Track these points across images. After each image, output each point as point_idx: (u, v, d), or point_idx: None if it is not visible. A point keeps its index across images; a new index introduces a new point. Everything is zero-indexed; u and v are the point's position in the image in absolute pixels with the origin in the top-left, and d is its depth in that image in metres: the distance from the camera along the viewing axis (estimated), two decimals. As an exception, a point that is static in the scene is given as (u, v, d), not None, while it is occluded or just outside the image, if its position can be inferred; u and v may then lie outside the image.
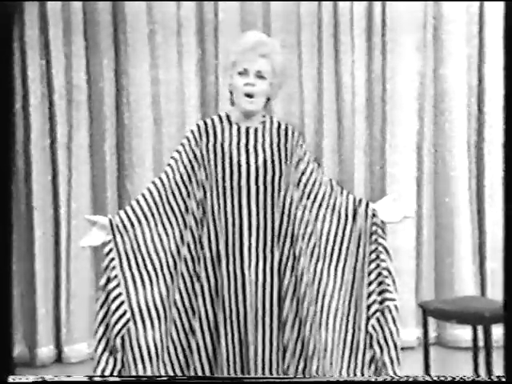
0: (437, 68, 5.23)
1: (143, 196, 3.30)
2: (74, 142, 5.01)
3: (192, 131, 3.33)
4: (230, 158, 3.24)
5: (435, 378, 3.17)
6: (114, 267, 3.25)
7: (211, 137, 3.28)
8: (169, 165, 3.33)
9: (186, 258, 3.26)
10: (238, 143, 3.27)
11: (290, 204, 3.29)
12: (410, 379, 3.20)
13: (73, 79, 5.00)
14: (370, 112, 5.21)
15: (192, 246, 3.26)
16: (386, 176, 5.18)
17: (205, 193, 3.26)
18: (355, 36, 5.16)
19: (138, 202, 3.30)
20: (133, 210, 3.29)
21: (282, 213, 3.27)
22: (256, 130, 3.30)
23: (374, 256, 3.33)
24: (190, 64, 5.11)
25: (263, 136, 3.30)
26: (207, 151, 3.27)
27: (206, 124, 3.33)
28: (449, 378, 3.14)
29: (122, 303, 3.25)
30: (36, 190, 4.93)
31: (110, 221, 3.27)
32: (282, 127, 3.35)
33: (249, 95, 3.23)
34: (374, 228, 3.34)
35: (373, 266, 3.32)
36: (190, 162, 3.29)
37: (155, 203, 3.28)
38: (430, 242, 5.23)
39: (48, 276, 4.97)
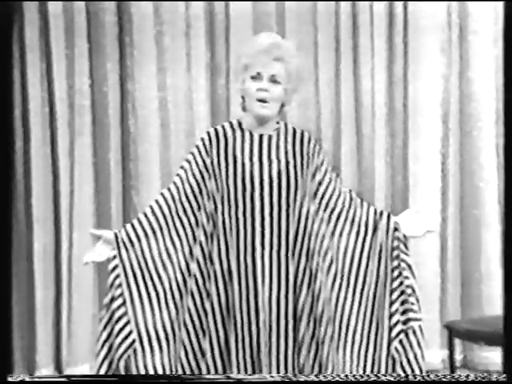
0: (462, 71, 5.21)
1: (151, 209, 3.29)
2: (76, 150, 4.99)
3: (202, 139, 3.32)
4: (243, 168, 3.23)
5: (436, 378, 3.16)
6: (119, 285, 3.25)
7: (222, 145, 3.27)
8: (178, 175, 3.32)
9: (196, 275, 3.25)
10: (251, 152, 3.26)
11: (306, 217, 3.27)
12: (411, 379, 3.19)
13: (75, 83, 4.98)
14: (391, 118, 5.19)
15: (202, 262, 3.25)
16: (409, 187, 5.15)
17: (215, 205, 3.25)
18: (375, 37, 5.15)
19: (145, 215, 3.29)
20: (140, 223, 3.28)
21: (298, 226, 3.26)
22: (270, 138, 3.29)
23: (396, 273, 3.30)
24: (200, 67, 5.09)
25: (277, 144, 3.29)
26: (218, 161, 3.26)
27: (216, 132, 3.32)
28: (449, 378, 3.16)
29: (126, 324, 3.23)
30: (36, 201, 4.91)
31: (116, 235, 3.26)
32: (298, 134, 3.34)
33: (262, 100, 3.22)
34: (396, 243, 3.31)
35: (395, 283, 3.29)
36: (200, 172, 3.28)
37: (164, 216, 3.27)
38: (455, 257, 5.20)
39: (48, 293, 4.95)
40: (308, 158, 3.30)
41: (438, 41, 5.15)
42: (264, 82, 3.20)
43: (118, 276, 3.24)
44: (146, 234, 3.26)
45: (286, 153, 3.27)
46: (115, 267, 3.25)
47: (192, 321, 3.24)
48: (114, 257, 3.25)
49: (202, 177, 3.27)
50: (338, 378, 3.20)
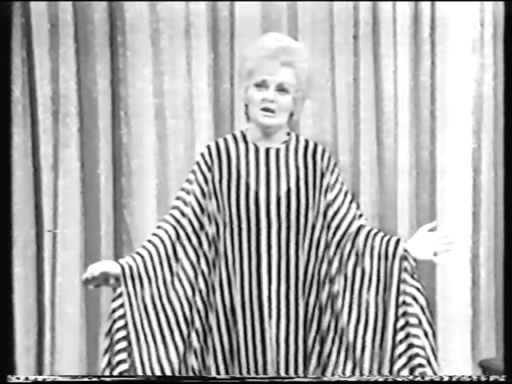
0: (497, 74, 5.20)
1: (160, 238, 3.28)
2: (61, 163, 4.95)
3: (202, 154, 3.33)
4: (247, 187, 3.23)
5: (435, 378, 3.18)
6: (122, 327, 3.21)
7: (224, 161, 3.28)
8: (179, 198, 3.31)
9: (199, 310, 3.27)
10: (257, 168, 3.26)
11: (318, 242, 3.28)
12: (411, 379, 3.19)
13: (60, 89, 4.95)
14: (417, 127, 5.17)
15: (204, 295, 3.27)
16: (436, 206, 5.13)
17: (217, 229, 3.26)
18: (398, 36, 5.12)
19: (154, 245, 3.28)
20: (150, 254, 3.26)
21: (309, 254, 3.26)
22: (278, 152, 3.30)
23: (401, 311, 3.21)
24: (201, 70, 5.07)
25: (286, 158, 3.29)
26: (220, 178, 3.27)
27: (217, 145, 3.33)
28: (448, 378, 3.19)
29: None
30: (16, 221, 4.86)
31: (123, 269, 3.21)
32: (310, 147, 3.34)
33: (267, 110, 3.22)
34: (404, 276, 3.23)
35: (401, 323, 3.20)
36: (203, 193, 3.29)
37: (173, 245, 3.28)
38: (489, 286, 5.18)
39: (30, 343, 4.89)
40: (321, 174, 3.29)
41: (469, 40, 5.14)
42: (270, 91, 3.20)
43: (122, 316, 3.21)
44: (154, 268, 3.25)
45: (297, 169, 3.27)
46: (120, 306, 3.21)
47: (196, 358, 3.26)
48: (119, 295, 3.21)
49: (204, 197, 3.28)
50: (338, 378, 3.23)
